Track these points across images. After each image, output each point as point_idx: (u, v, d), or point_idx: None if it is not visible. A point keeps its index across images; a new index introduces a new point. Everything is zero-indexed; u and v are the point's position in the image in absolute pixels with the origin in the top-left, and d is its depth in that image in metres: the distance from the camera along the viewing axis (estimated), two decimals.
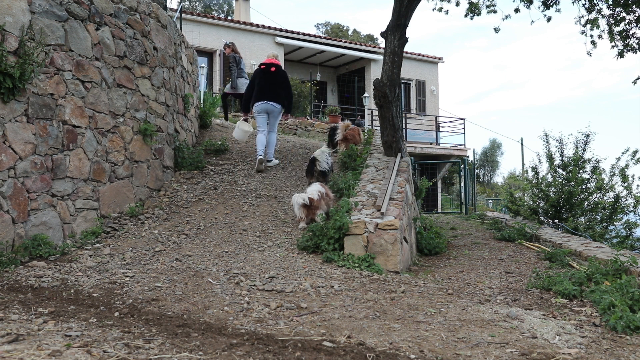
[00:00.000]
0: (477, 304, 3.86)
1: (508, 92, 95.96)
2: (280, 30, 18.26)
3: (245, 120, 8.21)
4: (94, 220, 5.35)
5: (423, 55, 21.43)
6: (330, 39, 20.11)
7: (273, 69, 7.79)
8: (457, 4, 8.92)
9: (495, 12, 8.74)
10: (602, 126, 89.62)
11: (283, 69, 8.02)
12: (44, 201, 4.73)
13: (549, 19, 8.58)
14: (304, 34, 18.73)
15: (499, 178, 41.81)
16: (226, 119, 10.74)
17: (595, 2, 8.30)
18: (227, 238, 5.37)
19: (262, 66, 7.82)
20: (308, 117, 15.41)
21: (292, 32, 18.37)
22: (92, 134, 5.40)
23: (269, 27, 18.04)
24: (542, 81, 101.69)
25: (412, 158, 9.91)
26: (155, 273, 4.18)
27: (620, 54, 8.45)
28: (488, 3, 8.72)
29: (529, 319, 3.42)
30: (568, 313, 3.68)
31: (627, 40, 8.36)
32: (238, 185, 7.00)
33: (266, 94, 7.65)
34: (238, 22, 17.72)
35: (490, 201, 28.35)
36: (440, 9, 9.04)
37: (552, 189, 9.08)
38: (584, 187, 8.88)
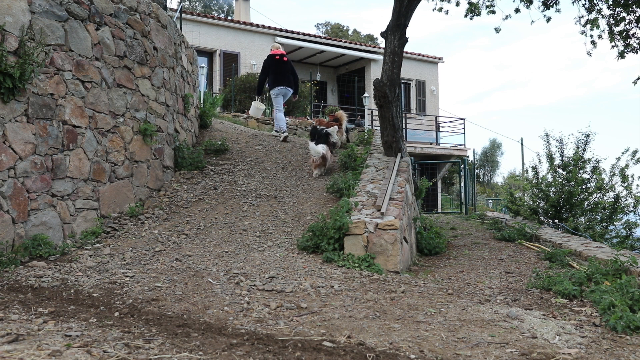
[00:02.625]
0: (477, 304, 3.86)
1: (509, 92, 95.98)
2: (280, 30, 18.26)
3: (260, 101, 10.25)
4: (94, 220, 5.35)
5: (423, 55, 21.44)
6: (330, 39, 20.11)
7: (285, 58, 9.54)
8: (457, 4, 8.92)
9: (494, 12, 8.73)
10: (604, 126, 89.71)
11: None
12: (44, 201, 4.73)
13: (548, 19, 8.58)
14: (304, 34, 18.73)
15: (499, 178, 41.84)
16: None
17: (595, 2, 8.29)
18: (227, 238, 5.37)
19: (277, 57, 9.45)
20: (308, 117, 15.39)
21: (292, 32, 18.37)
22: (92, 134, 5.40)
23: (269, 27, 18.04)
24: (544, 81, 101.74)
25: (412, 158, 9.90)
26: (155, 273, 4.18)
27: (621, 55, 8.45)
28: (488, 3, 8.72)
29: (529, 319, 3.42)
30: (568, 313, 3.68)
31: (628, 41, 8.35)
32: (238, 185, 7.00)
33: (283, 80, 9.42)
34: (238, 22, 17.72)
35: (490, 201, 28.36)
36: (440, 9, 9.03)
37: (552, 189, 9.07)
38: (584, 187, 8.88)
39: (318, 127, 8.00)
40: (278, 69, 9.39)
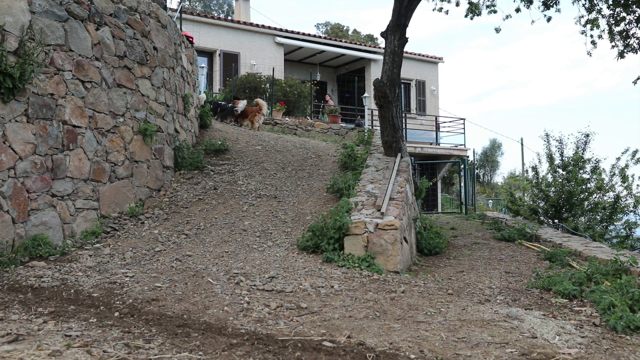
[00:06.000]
0: (477, 304, 3.86)
1: (509, 92, 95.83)
2: (280, 30, 18.25)
3: None
4: (94, 220, 5.35)
5: (423, 55, 21.43)
6: (330, 39, 20.10)
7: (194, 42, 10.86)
8: (457, 4, 8.92)
9: (495, 12, 8.74)
10: (604, 126, 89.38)
11: None
12: (44, 201, 4.73)
13: (549, 19, 8.59)
14: (304, 33, 18.72)
15: (499, 178, 41.79)
16: None
17: (595, 2, 8.30)
18: (227, 238, 5.37)
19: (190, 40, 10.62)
20: (308, 117, 15.37)
21: (292, 32, 18.36)
22: (92, 134, 5.40)
23: (269, 27, 18.03)
24: (544, 81, 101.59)
25: (412, 158, 9.90)
26: (155, 273, 4.18)
27: (621, 55, 8.45)
28: (488, 3, 8.72)
29: (529, 319, 3.42)
30: (568, 313, 3.68)
31: (628, 40, 8.36)
32: (238, 185, 7.00)
33: None
34: (238, 22, 17.71)
35: (490, 201, 28.34)
36: (441, 9, 9.03)
37: (552, 189, 9.08)
38: (584, 187, 8.88)
39: (221, 103, 11.34)
40: None
